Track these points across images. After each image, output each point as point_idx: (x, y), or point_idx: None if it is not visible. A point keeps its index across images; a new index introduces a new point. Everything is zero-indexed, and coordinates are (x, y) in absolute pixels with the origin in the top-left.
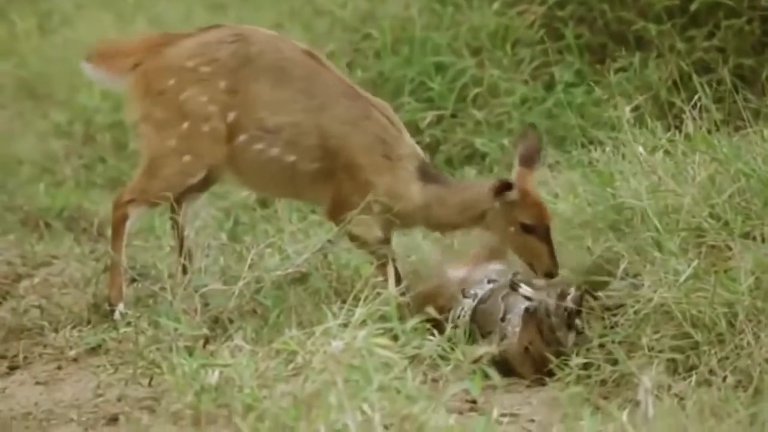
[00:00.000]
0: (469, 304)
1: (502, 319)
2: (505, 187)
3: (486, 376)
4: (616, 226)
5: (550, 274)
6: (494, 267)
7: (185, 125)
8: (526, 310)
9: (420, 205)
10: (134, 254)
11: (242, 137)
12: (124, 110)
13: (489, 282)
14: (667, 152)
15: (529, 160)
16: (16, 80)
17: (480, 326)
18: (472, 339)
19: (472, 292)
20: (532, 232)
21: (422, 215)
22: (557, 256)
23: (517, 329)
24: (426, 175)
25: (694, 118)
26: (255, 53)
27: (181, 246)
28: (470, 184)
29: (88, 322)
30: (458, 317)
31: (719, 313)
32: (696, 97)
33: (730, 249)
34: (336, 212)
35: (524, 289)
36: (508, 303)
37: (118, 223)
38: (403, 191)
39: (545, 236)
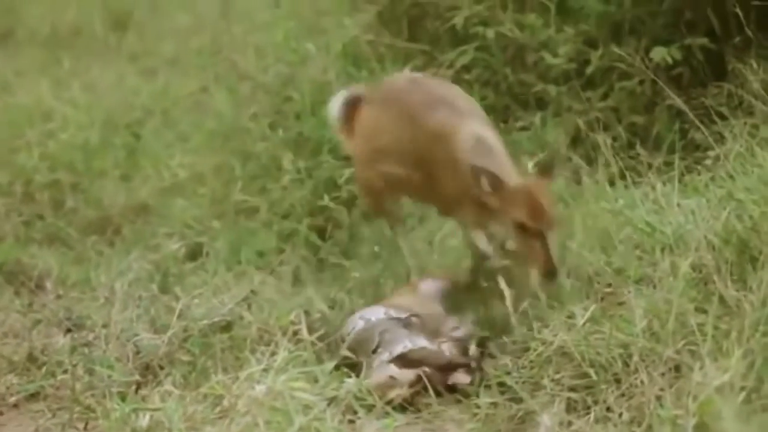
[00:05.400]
0: (359, 325)
1: (374, 351)
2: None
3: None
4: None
5: (550, 274)
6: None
7: None
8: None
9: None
10: (70, 305)
11: None
12: (60, 171)
13: (385, 314)
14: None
15: (546, 169)
16: None
17: (353, 351)
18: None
19: (366, 316)
20: (529, 233)
21: None
22: (557, 261)
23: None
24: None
25: (590, 174)
26: None
27: None
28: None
29: (27, 371)
30: (347, 334)
31: (615, 354)
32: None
33: (624, 294)
34: None
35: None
36: (383, 338)
37: None
38: None
39: (541, 238)
